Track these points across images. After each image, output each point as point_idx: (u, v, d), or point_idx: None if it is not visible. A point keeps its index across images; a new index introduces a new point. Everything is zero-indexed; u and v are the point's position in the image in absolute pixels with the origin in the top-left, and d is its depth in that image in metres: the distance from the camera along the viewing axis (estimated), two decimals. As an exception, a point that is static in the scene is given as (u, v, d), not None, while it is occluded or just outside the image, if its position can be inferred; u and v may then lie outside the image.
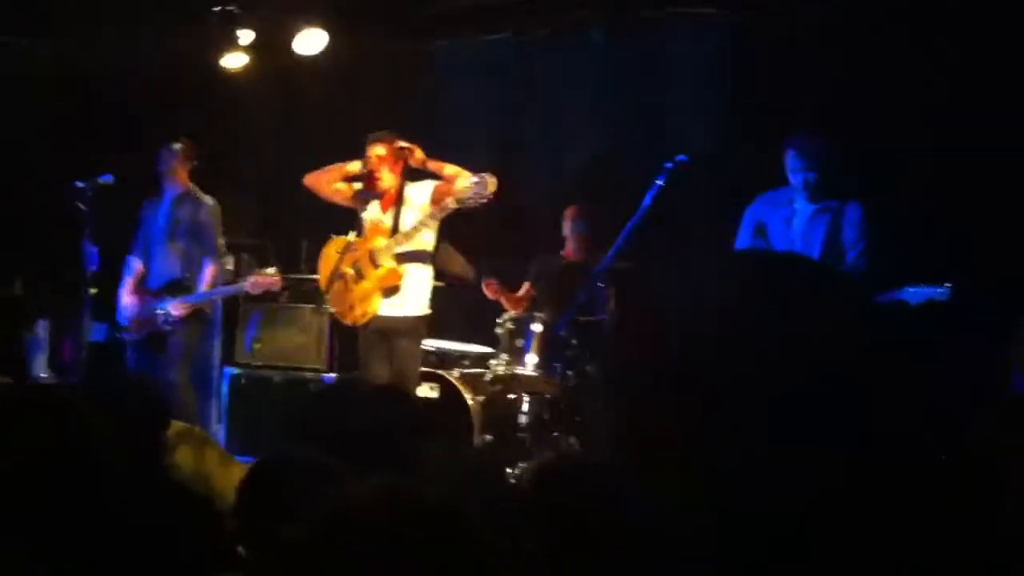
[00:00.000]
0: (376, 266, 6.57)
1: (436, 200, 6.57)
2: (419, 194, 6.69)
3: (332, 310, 6.86)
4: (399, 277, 6.55)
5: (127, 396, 3.28)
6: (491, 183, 6.21)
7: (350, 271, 6.64)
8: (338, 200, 6.86)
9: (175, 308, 7.13)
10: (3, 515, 2.30)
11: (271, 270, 7.22)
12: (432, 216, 6.53)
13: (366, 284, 6.61)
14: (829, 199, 5.88)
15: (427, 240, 6.67)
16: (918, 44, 6.61)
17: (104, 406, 2.72)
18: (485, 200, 6.25)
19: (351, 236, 6.72)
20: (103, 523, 2.30)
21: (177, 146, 7.36)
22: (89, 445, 2.46)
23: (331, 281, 6.74)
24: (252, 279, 7.23)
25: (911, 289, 5.44)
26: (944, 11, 6.55)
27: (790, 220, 5.95)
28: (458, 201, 6.30)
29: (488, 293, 7.57)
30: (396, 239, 6.54)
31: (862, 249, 5.82)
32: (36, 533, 2.25)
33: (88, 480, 2.39)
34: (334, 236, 6.84)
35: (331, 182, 6.82)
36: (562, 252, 7.61)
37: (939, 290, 5.39)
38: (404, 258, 6.59)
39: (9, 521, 2.29)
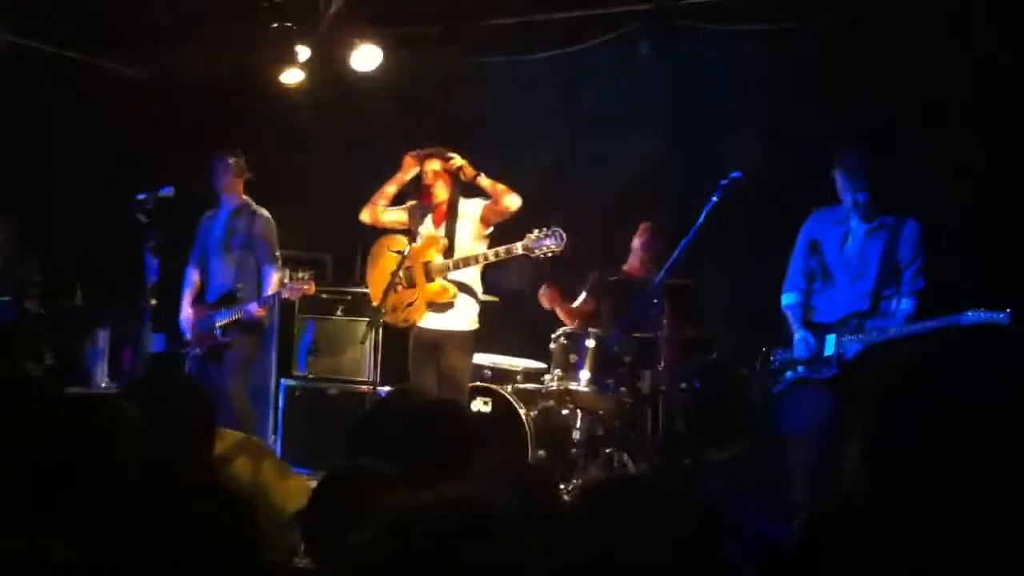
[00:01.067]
0: (429, 280, 6.60)
1: (484, 219, 6.61)
2: (471, 209, 6.72)
3: (375, 304, 6.81)
4: (450, 296, 6.58)
5: (173, 397, 3.29)
6: (563, 237, 6.20)
7: (402, 276, 6.64)
8: (397, 227, 6.88)
9: (253, 310, 7.22)
10: (15, 510, 2.35)
11: (304, 274, 7.26)
12: (484, 237, 6.58)
13: (416, 293, 6.64)
14: (885, 215, 5.82)
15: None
16: (965, 51, 6.56)
17: (147, 406, 2.76)
18: (552, 255, 6.27)
19: (408, 245, 6.74)
20: (113, 521, 2.33)
21: (231, 159, 7.44)
22: (118, 447, 2.50)
23: (384, 280, 6.69)
24: (288, 284, 7.28)
25: (971, 314, 5.36)
26: (989, 17, 6.48)
27: (845, 239, 5.90)
28: (525, 248, 6.29)
29: (544, 302, 7.56)
30: (455, 262, 6.54)
31: (919, 267, 5.75)
32: (45, 527, 2.29)
33: (107, 479, 2.43)
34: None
35: (385, 208, 6.86)
36: (624, 267, 7.59)
37: (1000, 315, 5.30)
38: (455, 273, 6.61)
39: (18, 516, 2.33)
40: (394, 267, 6.55)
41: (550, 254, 6.24)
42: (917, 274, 5.76)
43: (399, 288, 6.62)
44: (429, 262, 6.60)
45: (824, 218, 6.03)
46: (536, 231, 6.23)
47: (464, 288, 6.63)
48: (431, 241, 6.64)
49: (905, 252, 5.77)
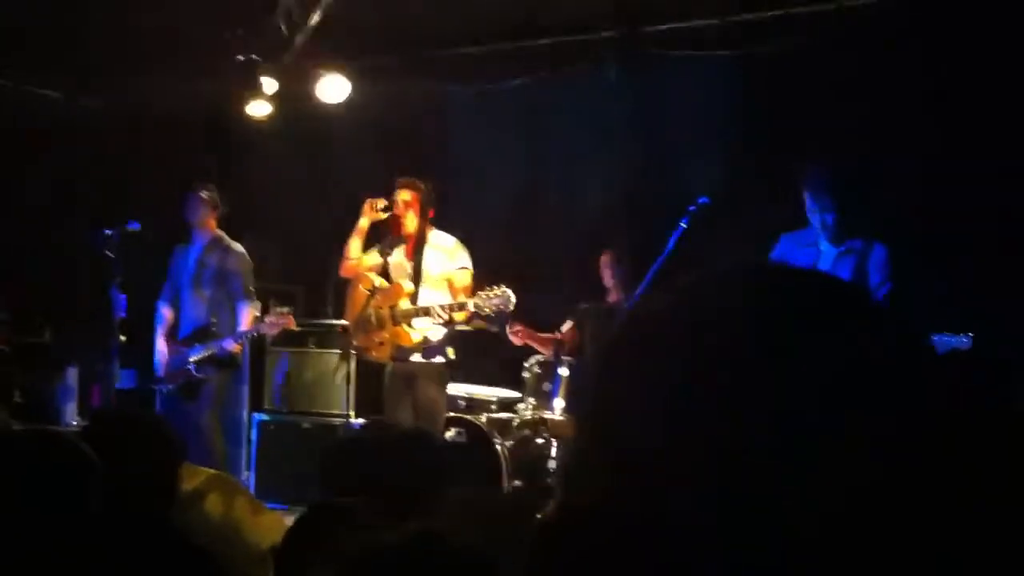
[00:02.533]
0: (395, 323, 6.60)
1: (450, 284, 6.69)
2: (442, 241, 6.72)
3: (354, 342, 6.83)
4: (413, 343, 6.61)
5: (134, 434, 3.24)
6: (512, 299, 6.25)
7: (373, 316, 6.66)
8: (378, 270, 6.87)
9: (228, 345, 7.17)
10: None
11: (284, 309, 7.22)
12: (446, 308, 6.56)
13: (385, 334, 6.65)
14: (853, 239, 5.82)
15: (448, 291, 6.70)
16: (932, 75, 6.61)
17: (107, 444, 2.71)
18: (500, 313, 6.31)
19: (379, 281, 6.73)
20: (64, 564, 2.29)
21: (204, 194, 7.38)
22: (85, 490, 2.46)
23: (359, 318, 6.73)
24: (267, 319, 7.25)
25: (934, 337, 5.37)
26: (959, 39, 6.53)
27: (815, 263, 5.89)
28: (476, 307, 6.30)
29: (515, 340, 7.53)
30: (418, 311, 6.55)
31: (886, 293, 5.75)
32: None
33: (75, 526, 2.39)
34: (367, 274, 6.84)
35: (359, 259, 6.86)
36: (609, 299, 7.58)
37: (962, 339, 5.32)
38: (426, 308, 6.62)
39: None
40: (366, 300, 6.58)
41: (498, 313, 6.30)
42: (883, 299, 5.75)
43: (369, 328, 6.64)
44: (395, 307, 6.60)
45: (793, 241, 6.02)
46: (488, 290, 6.28)
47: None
48: (398, 288, 6.64)
49: (873, 277, 5.76)
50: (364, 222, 6.83)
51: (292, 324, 7.28)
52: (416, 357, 6.67)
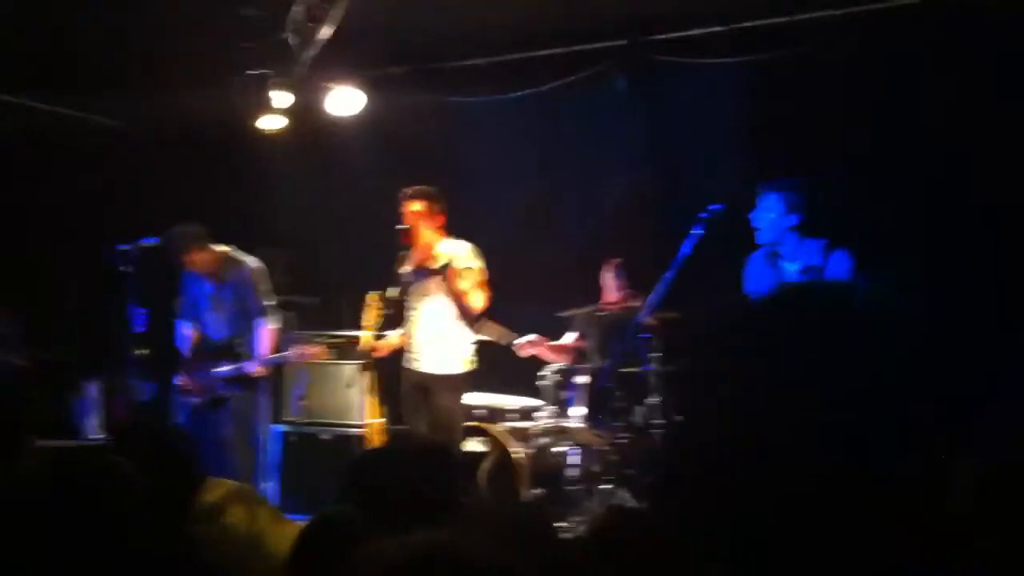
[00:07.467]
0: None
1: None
2: (455, 247, 6.75)
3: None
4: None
5: (156, 449, 3.26)
6: None
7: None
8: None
9: (252, 369, 7.20)
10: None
11: (316, 340, 7.27)
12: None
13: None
14: (811, 255, 5.82)
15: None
16: (945, 84, 6.59)
17: (132, 458, 2.74)
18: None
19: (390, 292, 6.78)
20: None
21: (184, 233, 7.36)
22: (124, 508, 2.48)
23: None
24: (294, 348, 7.27)
25: None
26: (970, 48, 6.52)
27: (780, 280, 5.92)
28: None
29: (523, 353, 7.54)
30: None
31: None
32: None
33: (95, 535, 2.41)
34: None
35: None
36: (601, 301, 7.61)
37: None
38: (437, 321, 6.66)
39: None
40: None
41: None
42: None
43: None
44: None
45: (764, 257, 6.01)
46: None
47: (453, 328, 6.65)
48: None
49: None
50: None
51: (321, 355, 7.36)
52: (430, 368, 6.68)
